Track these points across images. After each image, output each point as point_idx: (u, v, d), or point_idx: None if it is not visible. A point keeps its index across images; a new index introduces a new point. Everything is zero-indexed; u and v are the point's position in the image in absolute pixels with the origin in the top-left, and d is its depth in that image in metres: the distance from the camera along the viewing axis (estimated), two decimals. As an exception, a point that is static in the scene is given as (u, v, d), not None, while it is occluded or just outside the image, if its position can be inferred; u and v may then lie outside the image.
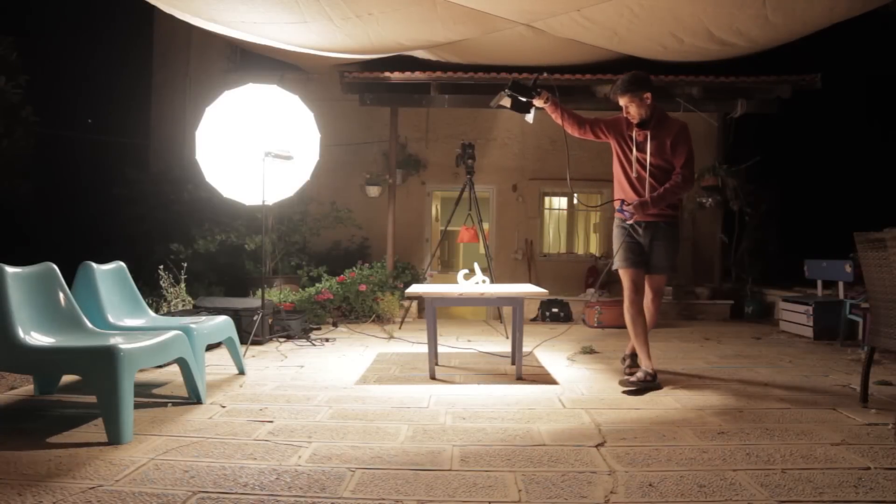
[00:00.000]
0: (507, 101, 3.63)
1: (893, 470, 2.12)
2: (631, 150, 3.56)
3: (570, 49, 6.44)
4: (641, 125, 3.51)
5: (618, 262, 3.57)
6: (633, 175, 3.54)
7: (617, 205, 3.55)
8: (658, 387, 3.37)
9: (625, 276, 3.54)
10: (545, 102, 3.58)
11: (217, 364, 3.99)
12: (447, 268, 12.61)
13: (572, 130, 3.67)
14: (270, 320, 5.10)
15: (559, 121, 3.64)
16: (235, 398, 3.12)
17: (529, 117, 3.71)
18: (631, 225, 3.54)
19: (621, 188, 3.63)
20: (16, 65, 6.93)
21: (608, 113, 8.05)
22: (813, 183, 8.25)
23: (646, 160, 3.50)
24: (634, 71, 3.54)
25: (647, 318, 3.55)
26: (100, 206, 8.02)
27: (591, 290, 7.83)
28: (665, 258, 3.53)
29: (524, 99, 3.57)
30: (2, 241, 6.66)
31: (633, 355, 3.73)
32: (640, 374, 3.41)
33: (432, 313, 3.67)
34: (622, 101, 3.50)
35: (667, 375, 3.77)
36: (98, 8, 9.32)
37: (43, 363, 2.61)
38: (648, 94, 3.43)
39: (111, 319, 3.38)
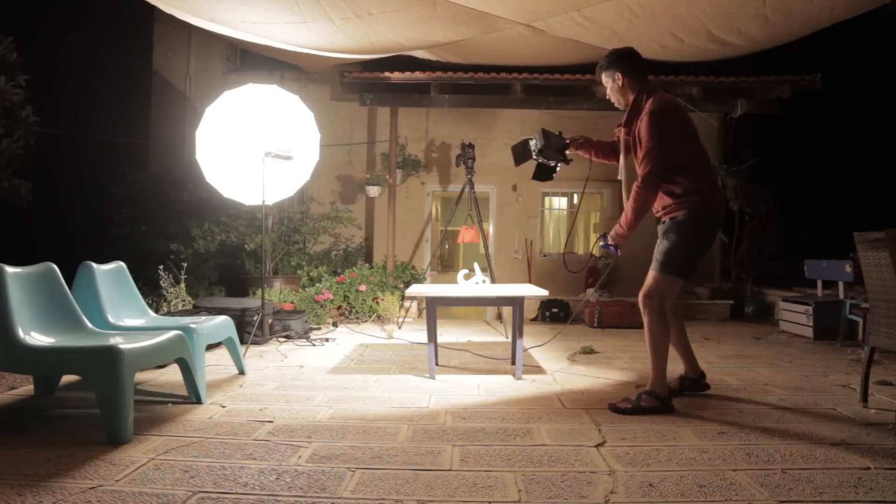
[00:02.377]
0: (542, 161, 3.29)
1: (893, 470, 2.12)
2: (624, 152, 3.13)
3: (570, 49, 6.44)
4: (625, 122, 3.04)
5: None
6: (623, 180, 3.10)
7: (601, 243, 3.13)
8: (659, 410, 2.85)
9: None
10: (578, 149, 3.29)
11: (217, 364, 3.99)
12: (447, 268, 12.58)
13: (609, 160, 3.28)
14: (270, 320, 5.10)
15: (595, 159, 3.32)
16: (235, 398, 3.12)
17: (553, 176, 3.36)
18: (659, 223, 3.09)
19: None
20: (16, 65, 6.93)
21: (608, 113, 7.98)
22: (813, 183, 8.25)
23: (627, 163, 3.08)
24: (619, 48, 3.08)
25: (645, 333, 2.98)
26: (100, 206, 8.02)
27: (591, 290, 7.83)
28: (659, 251, 2.95)
29: (553, 163, 3.25)
30: (2, 241, 6.65)
31: (650, 392, 2.93)
32: (627, 403, 2.93)
33: (432, 313, 3.67)
34: (603, 83, 3.10)
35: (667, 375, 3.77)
36: (98, 8, 9.32)
37: (43, 363, 2.61)
38: (619, 75, 2.97)
39: (111, 319, 3.38)
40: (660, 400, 2.89)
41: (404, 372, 3.86)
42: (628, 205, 2.94)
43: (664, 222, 3.03)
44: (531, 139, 3.29)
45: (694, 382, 3.22)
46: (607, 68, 3.04)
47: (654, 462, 2.20)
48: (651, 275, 2.96)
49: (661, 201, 2.98)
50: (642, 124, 2.88)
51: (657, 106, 2.88)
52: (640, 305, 2.97)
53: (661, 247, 2.96)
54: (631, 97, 3.00)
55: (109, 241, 7.19)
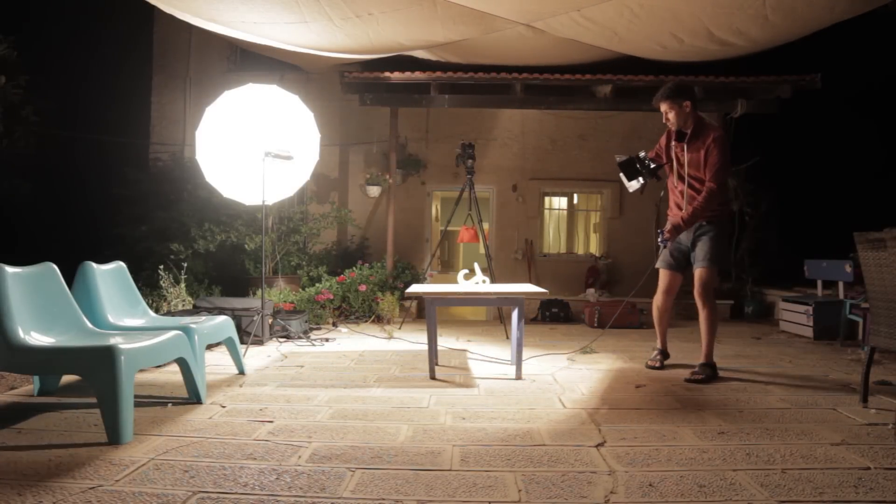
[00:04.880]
0: (636, 184, 3.83)
1: (893, 470, 2.12)
2: (674, 163, 3.74)
3: (570, 49, 6.43)
4: (680, 137, 3.67)
5: (658, 263, 3.95)
6: (677, 188, 3.75)
7: (659, 239, 3.74)
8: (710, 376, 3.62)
9: (660, 276, 3.94)
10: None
11: (217, 364, 3.99)
12: (447, 268, 12.60)
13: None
14: (270, 320, 5.10)
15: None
16: (235, 398, 3.12)
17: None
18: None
19: (670, 195, 3.87)
20: (16, 65, 6.93)
21: (608, 114, 7.99)
22: (813, 183, 8.24)
23: (684, 173, 3.68)
24: (678, 79, 3.82)
25: (700, 317, 3.72)
26: (100, 206, 8.02)
27: (591, 290, 7.83)
28: (703, 251, 3.64)
29: (644, 181, 3.81)
30: (2, 241, 6.65)
31: (707, 364, 3.72)
32: (699, 374, 3.60)
33: (432, 313, 3.67)
34: (663, 108, 3.66)
35: (667, 375, 3.78)
36: (98, 8, 9.31)
37: (43, 363, 2.61)
38: (688, 103, 3.59)
39: (111, 319, 3.39)
40: (713, 368, 3.65)
41: (404, 372, 3.86)
42: (699, 203, 3.55)
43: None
44: (634, 158, 3.77)
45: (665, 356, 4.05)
46: (677, 97, 3.60)
47: (654, 462, 2.20)
48: (703, 271, 3.62)
49: None
50: (714, 145, 3.53)
51: (722, 133, 3.61)
52: (702, 298, 3.63)
53: (707, 245, 3.62)
54: (692, 122, 3.63)
55: (109, 241, 7.19)
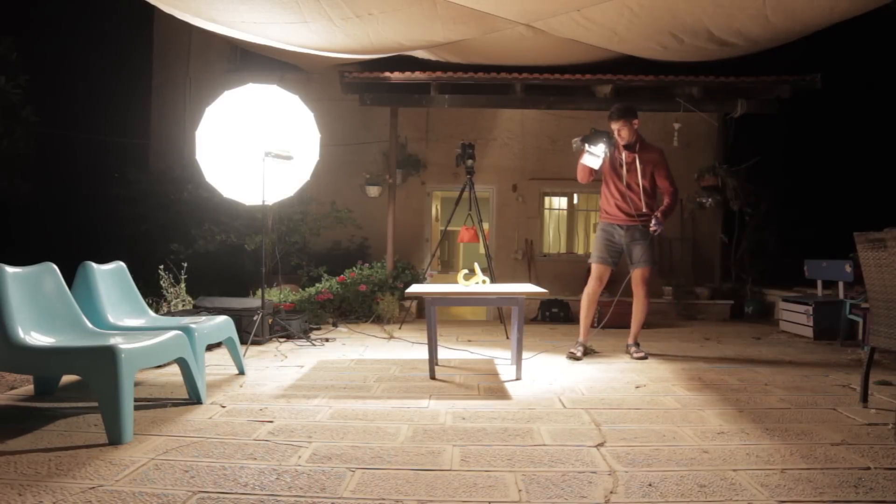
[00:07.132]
0: (597, 161, 4.35)
1: (893, 470, 2.12)
2: (621, 169, 4.37)
3: (570, 49, 6.43)
4: (629, 148, 4.33)
5: (592, 257, 4.50)
6: (622, 190, 4.35)
7: (654, 230, 4.28)
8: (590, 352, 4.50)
9: (593, 269, 4.46)
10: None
11: (217, 364, 3.99)
12: (447, 268, 12.61)
13: (589, 177, 4.41)
14: (270, 320, 5.10)
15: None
16: (235, 398, 3.12)
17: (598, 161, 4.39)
18: (612, 227, 4.40)
19: (608, 201, 4.44)
20: (16, 65, 6.93)
21: (607, 113, 8.05)
22: (813, 183, 8.25)
23: (635, 180, 4.33)
24: (626, 102, 4.54)
25: (637, 307, 4.44)
26: (100, 206, 8.02)
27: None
28: (643, 253, 4.34)
29: (605, 154, 4.35)
30: (1, 241, 6.65)
31: (637, 343, 4.50)
32: (640, 353, 4.36)
33: (432, 313, 3.67)
34: (616, 126, 4.30)
35: (667, 375, 3.78)
36: (98, 8, 9.31)
37: (43, 363, 2.61)
38: (637, 121, 4.33)
39: (111, 319, 3.38)
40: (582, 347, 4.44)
41: (404, 371, 3.86)
42: (670, 203, 4.33)
43: (629, 227, 4.36)
44: (594, 130, 4.34)
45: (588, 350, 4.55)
46: (629, 116, 4.29)
47: (655, 462, 2.20)
48: (646, 270, 4.37)
49: (646, 209, 4.33)
50: (662, 159, 4.36)
51: (661, 148, 4.47)
52: (644, 291, 4.40)
53: (644, 248, 4.33)
54: (636, 138, 4.36)
55: (109, 241, 7.19)
